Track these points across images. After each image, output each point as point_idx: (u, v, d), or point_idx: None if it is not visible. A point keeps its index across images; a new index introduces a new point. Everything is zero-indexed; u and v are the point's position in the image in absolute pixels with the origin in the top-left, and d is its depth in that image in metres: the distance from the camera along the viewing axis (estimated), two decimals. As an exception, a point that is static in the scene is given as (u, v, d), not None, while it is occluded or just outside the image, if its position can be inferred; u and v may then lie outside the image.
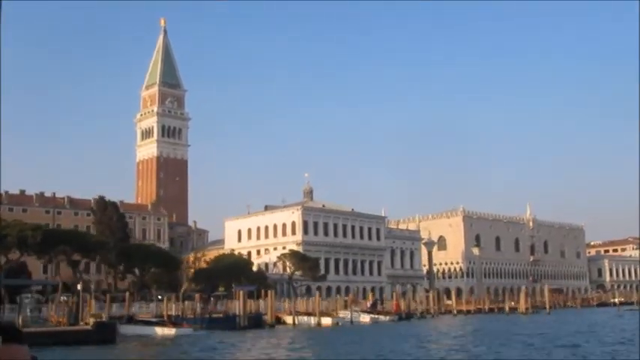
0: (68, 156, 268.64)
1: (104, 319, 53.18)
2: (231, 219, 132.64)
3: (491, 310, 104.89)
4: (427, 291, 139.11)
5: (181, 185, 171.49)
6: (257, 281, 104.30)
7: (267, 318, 69.56)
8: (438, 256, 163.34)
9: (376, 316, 78.09)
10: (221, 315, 69.12)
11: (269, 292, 70.89)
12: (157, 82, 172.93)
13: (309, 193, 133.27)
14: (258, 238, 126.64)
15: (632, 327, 59.39)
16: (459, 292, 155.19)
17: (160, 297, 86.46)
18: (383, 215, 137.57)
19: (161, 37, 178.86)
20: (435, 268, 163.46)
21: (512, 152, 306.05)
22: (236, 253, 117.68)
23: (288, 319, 74.28)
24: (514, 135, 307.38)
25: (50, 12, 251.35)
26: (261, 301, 78.77)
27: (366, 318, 75.65)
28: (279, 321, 75.77)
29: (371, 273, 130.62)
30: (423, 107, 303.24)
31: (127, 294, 65.41)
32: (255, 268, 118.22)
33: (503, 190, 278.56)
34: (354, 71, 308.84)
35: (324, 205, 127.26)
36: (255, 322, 68.03)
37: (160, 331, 57.34)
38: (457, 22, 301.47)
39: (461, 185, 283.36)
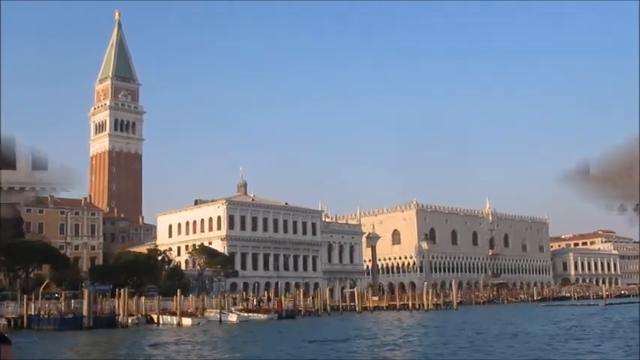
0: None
1: None
2: (163, 214, 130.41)
3: (403, 306, 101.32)
4: (370, 286, 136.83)
5: (135, 179, 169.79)
6: (173, 278, 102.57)
7: (120, 317, 67.20)
8: (393, 250, 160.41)
9: (246, 314, 75.33)
10: (72, 315, 66.93)
11: (122, 290, 68.50)
12: (110, 75, 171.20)
13: (243, 187, 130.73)
14: (187, 233, 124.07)
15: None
16: (412, 286, 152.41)
17: (56, 295, 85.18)
18: (319, 209, 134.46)
19: (115, 30, 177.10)
20: (389, 263, 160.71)
21: (478, 147, 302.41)
22: (162, 249, 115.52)
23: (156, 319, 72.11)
24: (482, 130, 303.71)
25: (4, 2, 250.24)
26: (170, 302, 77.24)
27: (233, 317, 72.92)
28: (150, 320, 73.71)
29: (305, 269, 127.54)
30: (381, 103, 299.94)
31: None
32: (183, 265, 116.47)
33: (465, 185, 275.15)
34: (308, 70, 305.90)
35: (253, 199, 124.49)
36: (108, 322, 65.80)
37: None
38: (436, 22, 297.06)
39: (417, 179, 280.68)
